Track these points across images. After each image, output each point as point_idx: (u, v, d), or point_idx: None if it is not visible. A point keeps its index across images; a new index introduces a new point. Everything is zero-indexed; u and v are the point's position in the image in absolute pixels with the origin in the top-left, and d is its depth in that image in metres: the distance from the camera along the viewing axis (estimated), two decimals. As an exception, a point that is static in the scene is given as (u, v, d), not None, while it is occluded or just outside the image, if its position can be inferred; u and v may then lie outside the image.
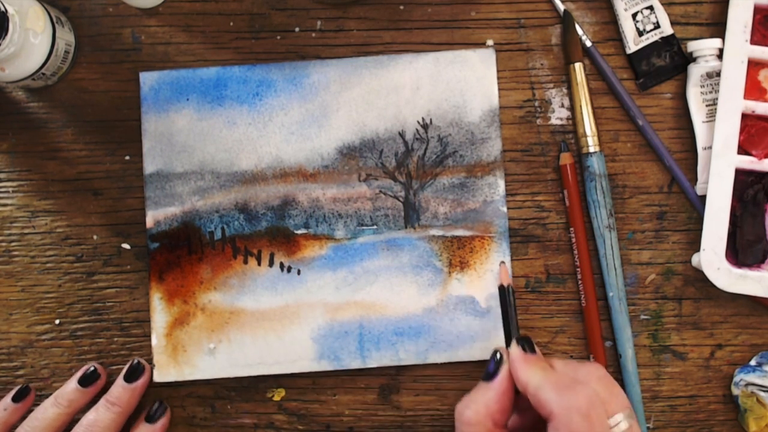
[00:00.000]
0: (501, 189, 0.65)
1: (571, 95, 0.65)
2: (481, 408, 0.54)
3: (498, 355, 0.56)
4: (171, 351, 0.64)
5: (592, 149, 0.64)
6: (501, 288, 0.59)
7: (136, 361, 0.64)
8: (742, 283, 0.62)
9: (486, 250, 0.65)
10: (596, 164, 0.64)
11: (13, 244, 0.66)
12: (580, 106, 0.65)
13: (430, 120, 0.65)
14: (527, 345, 0.56)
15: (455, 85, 0.65)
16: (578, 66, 0.65)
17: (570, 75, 0.65)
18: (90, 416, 0.62)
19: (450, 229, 0.65)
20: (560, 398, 0.51)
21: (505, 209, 0.65)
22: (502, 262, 0.62)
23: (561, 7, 0.65)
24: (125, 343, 0.66)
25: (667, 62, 0.65)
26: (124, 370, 0.64)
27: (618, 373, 0.65)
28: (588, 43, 0.65)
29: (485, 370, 0.56)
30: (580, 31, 0.65)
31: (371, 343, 0.64)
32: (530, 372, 0.54)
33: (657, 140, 0.65)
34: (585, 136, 0.64)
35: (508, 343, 0.58)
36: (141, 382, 0.64)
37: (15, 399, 0.64)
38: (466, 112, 0.65)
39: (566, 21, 0.65)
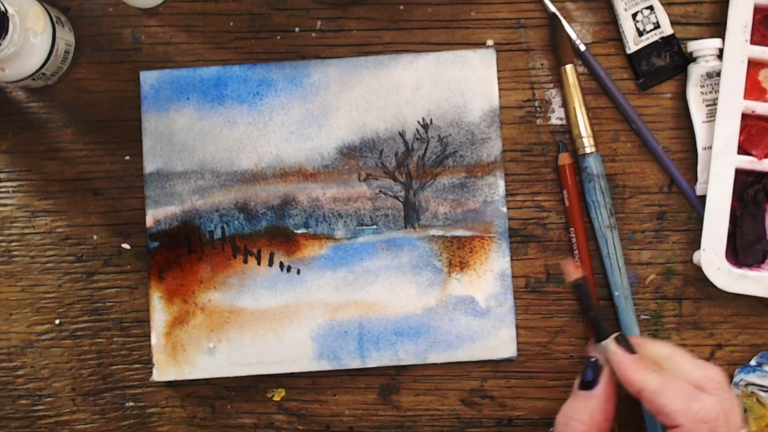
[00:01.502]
0: (501, 189, 0.65)
1: (564, 97, 0.65)
2: (586, 419, 0.53)
3: (593, 361, 0.55)
4: (170, 350, 0.64)
5: (588, 150, 0.64)
6: (575, 283, 0.56)
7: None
8: (742, 283, 0.62)
9: (486, 250, 0.65)
10: (593, 165, 0.64)
11: (13, 244, 0.66)
12: (574, 108, 0.65)
13: (431, 120, 0.65)
14: (626, 343, 0.54)
15: (455, 85, 0.65)
16: (569, 68, 0.65)
17: (562, 77, 0.65)
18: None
19: (450, 229, 0.65)
20: (687, 409, 0.50)
21: (505, 209, 0.65)
22: (564, 258, 0.59)
23: (552, 8, 0.65)
24: (125, 343, 0.66)
25: (667, 62, 0.65)
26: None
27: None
28: (582, 47, 0.65)
29: (581, 378, 0.55)
30: (573, 33, 0.65)
31: (371, 343, 0.64)
32: (645, 376, 0.52)
33: (653, 141, 0.65)
34: (580, 137, 0.64)
35: (598, 339, 0.55)
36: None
37: None
38: (466, 112, 0.65)
39: (554, 24, 0.65)
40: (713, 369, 0.53)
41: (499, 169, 0.65)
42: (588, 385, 0.54)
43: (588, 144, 0.64)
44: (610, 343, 0.54)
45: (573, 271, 0.58)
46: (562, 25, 0.65)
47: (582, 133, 0.64)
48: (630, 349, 0.54)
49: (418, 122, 0.65)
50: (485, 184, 0.65)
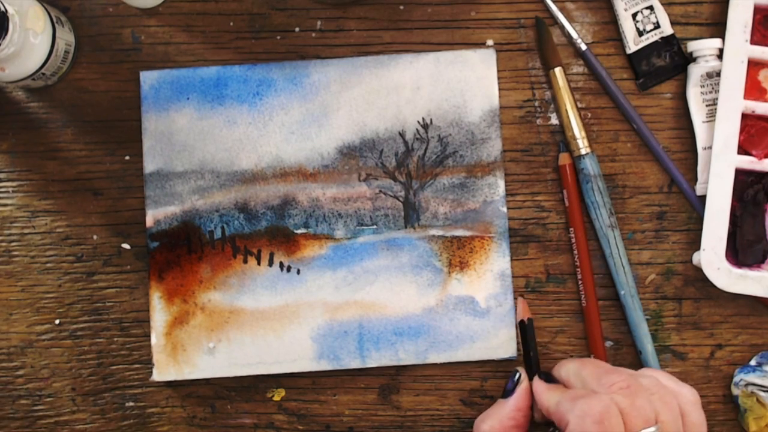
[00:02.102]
0: (501, 189, 0.65)
1: (555, 100, 0.65)
2: (495, 423, 0.58)
3: (517, 375, 0.60)
4: (170, 350, 0.64)
5: (583, 151, 0.64)
6: (522, 323, 0.62)
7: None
8: (742, 283, 0.62)
9: (486, 250, 0.65)
10: (589, 166, 0.64)
11: (13, 244, 0.66)
12: (566, 110, 0.65)
13: (431, 120, 0.65)
14: (549, 378, 0.59)
15: (455, 85, 0.65)
16: (558, 71, 0.65)
17: (551, 80, 0.65)
18: None
19: (450, 229, 0.65)
20: (574, 406, 0.52)
21: (504, 209, 0.65)
22: (521, 297, 0.64)
23: (553, 8, 0.65)
24: (125, 343, 0.66)
25: (667, 62, 0.65)
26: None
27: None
28: (583, 47, 0.65)
29: (504, 387, 0.60)
30: (574, 33, 0.65)
31: (371, 343, 0.64)
32: (551, 395, 0.56)
33: (653, 141, 0.65)
34: (575, 138, 0.64)
35: (530, 374, 0.60)
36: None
37: None
38: (466, 112, 0.65)
39: (540, 27, 0.65)
40: (616, 373, 0.54)
41: (499, 169, 0.65)
42: (506, 393, 0.59)
43: (583, 145, 0.64)
44: (536, 379, 0.59)
45: (524, 311, 0.62)
46: (547, 29, 0.65)
47: (576, 134, 0.64)
48: (549, 380, 0.59)
49: (418, 122, 0.65)
50: (485, 184, 0.65)
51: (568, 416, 0.52)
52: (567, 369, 0.57)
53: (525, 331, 0.62)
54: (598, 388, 0.53)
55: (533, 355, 0.61)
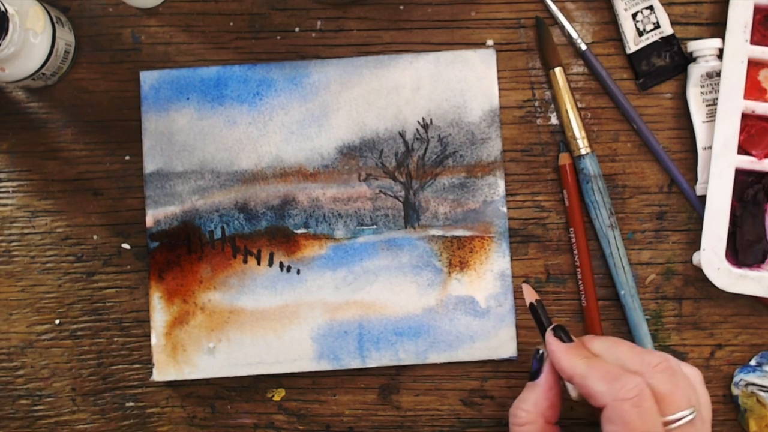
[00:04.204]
0: (501, 189, 0.65)
1: (555, 100, 0.65)
2: (531, 407, 0.55)
3: (540, 352, 0.57)
4: (171, 350, 0.64)
5: (583, 151, 0.64)
6: (531, 306, 0.59)
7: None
8: (742, 283, 0.62)
9: (486, 250, 0.65)
10: (589, 166, 0.64)
11: (13, 244, 0.66)
12: (566, 110, 0.65)
13: (431, 120, 0.65)
14: (563, 333, 0.56)
15: (455, 85, 0.65)
16: (558, 71, 0.65)
17: (551, 80, 0.65)
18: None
19: (450, 229, 0.65)
20: (608, 388, 0.51)
21: (504, 209, 0.65)
22: (525, 282, 0.63)
23: (553, 8, 0.65)
24: (125, 343, 0.66)
25: (667, 62, 0.65)
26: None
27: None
28: (583, 47, 0.65)
29: (529, 370, 0.57)
30: (574, 33, 0.65)
31: (371, 343, 0.64)
32: (573, 362, 0.54)
33: (653, 141, 0.65)
34: (575, 138, 0.64)
35: (542, 332, 0.58)
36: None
37: None
38: (466, 112, 0.65)
39: (540, 27, 0.65)
40: (653, 354, 0.54)
41: (499, 168, 0.65)
42: (533, 375, 0.57)
43: (583, 145, 0.64)
44: (548, 334, 0.56)
45: (530, 295, 0.60)
46: (548, 29, 0.65)
47: (576, 134, 0.64)
48: (567, 339, 0.56)
49: (418, 122, 0.65)
50: (485, 184, 0.65)
51: (602, 398, 0.51)
52: (598, 344, 0.55)
53: (536, 313, 0.59)
54: (641, 368, 0.52)
55: (553, 325, 0.57)
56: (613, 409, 0.50)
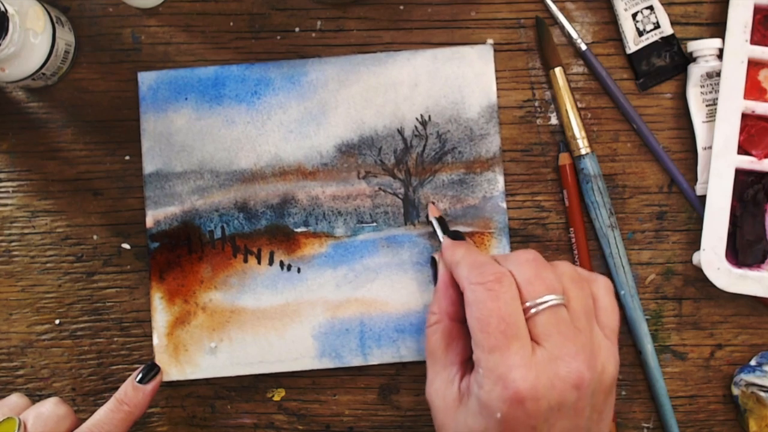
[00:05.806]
0: (500, 185, 0.65)
1: (555, 100, 0.65)
2: (435, 309, 0.57)
3: (432, 259, 0.60)
4: (172, 350, 0.64)
5: (583, 151, 0.64)
6: (437, 218, 0.63)
7: (151, 362, 0.63)
8: (742, 283, 0.62)
9: (486, 245, 0.65)
10: (590, 166, 0.64)
11: (13, 244, 0.66)
12: (566, 110, 0.65)
13: (429, 117, 0.65)
14: (457, 235, 0.59)
15: (453, 81, 0.65)
16: (558, 70, 0.65)
17: (551, 80, 0.65)
18: (97, 415, 0.60)
19: (450, 226, 0.65)
20: (469, 274, 0.53)
21: (504, 205, 0.65)
22: (431, 203, 0.65)
23: (553, 8, 0.65)
24: (125, 343, 0.66)
25: (667, 62, 0.65)
26: (138, 371, 0.62)
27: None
28: (583, 47, 0.65)
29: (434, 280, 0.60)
30: (574, 33, 0.65)
31: (372, 340, 0.64)
32: (453, 251, 0.57)
33: (653, 141, 0.65)
34: (575, 138, 0.64)
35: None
36: (154, 384, 0.62)
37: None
38: (464, 109, 0.65)
39: (540, 27, 0.65)
40: (526, 250, 0.55)
41: (498, 164, 0.65)
42: (433, 280, 0.60)
43: (583, 145, 0.64)
44: (444, 237, 0.60)
45: (434, 211, 0.63)
46: (548, 29, 0.65)
47: (576, 134, 0.64)
48: (460, 238, 0.59)
49: (417, 119, 0.65)
50: (484, 180, 0.65)
51: (463, 283, 0.53)
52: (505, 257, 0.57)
53: (441, 224, 0.62)
54: (504, 262, 0.54)
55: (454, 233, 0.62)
56: (471, 291, 0.52)
